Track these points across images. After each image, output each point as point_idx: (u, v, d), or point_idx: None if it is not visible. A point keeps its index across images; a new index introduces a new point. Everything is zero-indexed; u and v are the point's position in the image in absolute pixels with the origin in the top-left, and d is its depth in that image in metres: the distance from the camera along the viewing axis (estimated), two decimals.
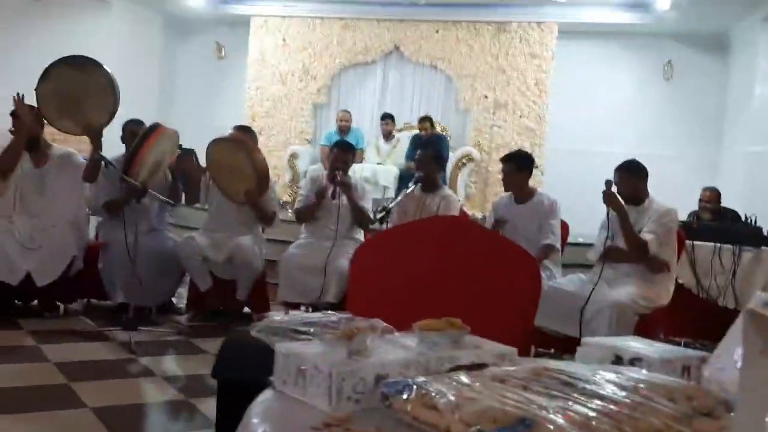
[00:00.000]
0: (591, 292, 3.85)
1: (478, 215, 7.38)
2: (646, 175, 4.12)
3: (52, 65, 4.50)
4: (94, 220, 5.50)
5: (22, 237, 4.49)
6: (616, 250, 4.07)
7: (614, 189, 4.07)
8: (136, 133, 4.59)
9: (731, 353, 1.34)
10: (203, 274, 4.88)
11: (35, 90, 4.49)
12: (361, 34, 8.98)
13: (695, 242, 4.91)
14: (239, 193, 4.92)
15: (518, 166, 4.62)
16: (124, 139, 5.00)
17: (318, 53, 9.10)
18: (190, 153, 5.58)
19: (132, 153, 4.44)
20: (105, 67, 4.61)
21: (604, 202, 4.00)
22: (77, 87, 4.51)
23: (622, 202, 4.01)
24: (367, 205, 5.12)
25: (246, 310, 5.04)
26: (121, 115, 4.74)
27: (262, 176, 4.91)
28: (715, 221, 5.94)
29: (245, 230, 5.03)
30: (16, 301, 4.70)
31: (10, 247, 4.42)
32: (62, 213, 4.71)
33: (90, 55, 4.67)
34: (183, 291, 5.27)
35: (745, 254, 4.81)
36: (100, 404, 3.07)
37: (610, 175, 4.13)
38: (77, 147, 5.24)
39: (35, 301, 4.79)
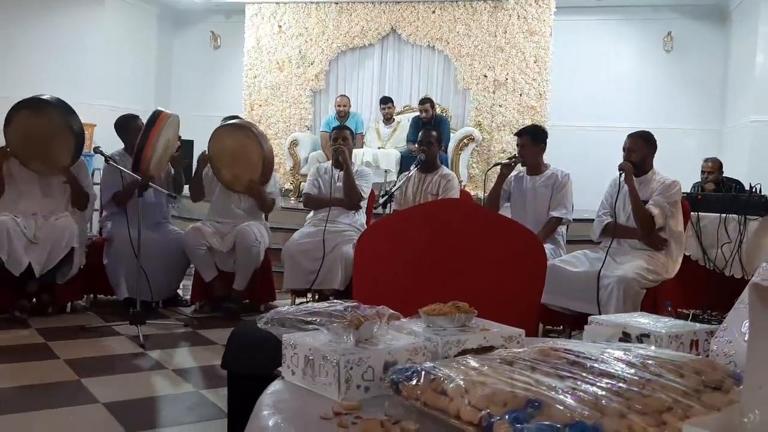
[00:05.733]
0: (600, 269, 3.87)
1: (481, 195, 7.36)
2: (655, 149, 4.22)
3: (12, 110, 4.54)
4: (96, 216, 5.50)
5: (28, 233, 4.51)
6: (618, 226, 4.13)
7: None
8: (140, 128, 4.60)
9: (738, 326, 1.34)
10: (208, 264, 4.89)
11: (4, 135, 4.56)
12: (357, 17, 8.92)
13: (700, 213, 4.91)
14: (241, 182, 4.93)
15: (533, 138, 4.71)
16: (123, 135, 5.01)
17: (314, 38, 9.04)
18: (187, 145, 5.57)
19: (141, 142, 4.44)
20: (61, 106, 4.63)
21: (620, 168, 4.06)
22: (40, 130, 4.56)
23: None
24: (364, 186, 5.12)
25: (246, 301, 5.01)
26: (122, 109, 4.71)
27: (267, 165, 4.91)
28: (718, 191, 5.93)
29: (248, 219, 5.03)
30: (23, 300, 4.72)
31: (18, 242, 4.43)
32: (64, 207, 4.74)
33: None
34: (188, 284, 5.28)
35: (750, 223, 4.81)
36: (111, 399, 3.09)
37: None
38: None
39: (41, 298, 4.80)
